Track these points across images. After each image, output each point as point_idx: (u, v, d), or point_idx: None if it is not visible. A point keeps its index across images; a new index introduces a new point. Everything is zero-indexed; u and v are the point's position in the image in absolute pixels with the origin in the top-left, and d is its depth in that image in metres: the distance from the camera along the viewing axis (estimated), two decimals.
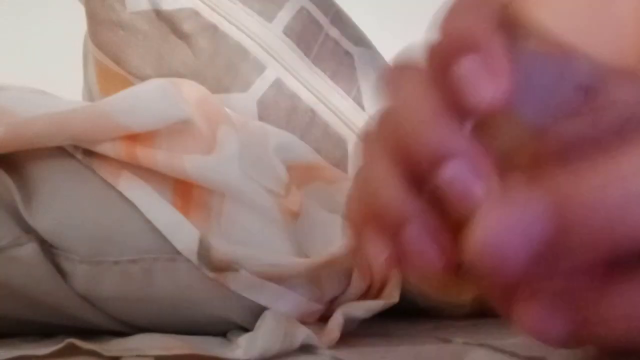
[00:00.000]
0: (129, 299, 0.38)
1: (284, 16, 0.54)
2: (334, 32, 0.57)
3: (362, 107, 0.57)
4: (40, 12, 1.26)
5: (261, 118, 0.53)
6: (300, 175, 0.46)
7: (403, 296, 0.43)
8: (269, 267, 0.38)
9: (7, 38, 1.25)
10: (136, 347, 0.36)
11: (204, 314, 0.39)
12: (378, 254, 0.22)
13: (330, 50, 0.56)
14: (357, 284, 0.42)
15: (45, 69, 1.06)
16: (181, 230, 0.37)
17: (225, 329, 0.40)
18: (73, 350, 0.34)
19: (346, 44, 0.58)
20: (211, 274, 0.37)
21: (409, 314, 0.46)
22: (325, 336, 0.38)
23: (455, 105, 0.20)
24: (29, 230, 0.37)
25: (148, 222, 0.38)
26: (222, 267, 0.37)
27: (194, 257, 0.37)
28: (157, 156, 0.38)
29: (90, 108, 0.39)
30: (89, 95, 0.57)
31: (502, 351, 0.34)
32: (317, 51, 0.55)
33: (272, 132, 0.48)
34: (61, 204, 0.38)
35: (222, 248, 0.37)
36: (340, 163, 0.54)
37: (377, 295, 0.44)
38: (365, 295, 0.43)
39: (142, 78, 0.51)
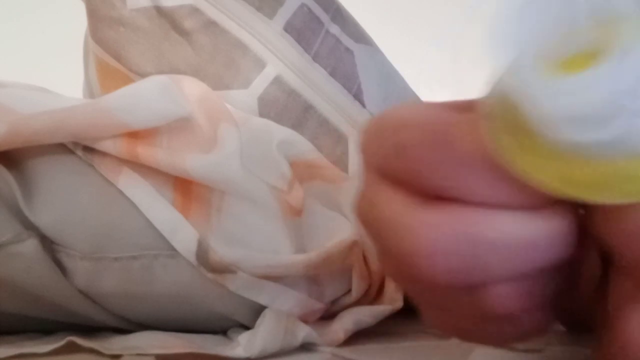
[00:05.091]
0: (129, 295, 0.38)
1: (285, 13, 0.54)
2: (335, 29, 0.57)
3: (363, 104, 0.57)
4: (41, 9, 1.26)
5: (262, 115, 0.53)
6: (301, 172, 0.46)
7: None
8: (266, 269, 0.38)
9: (8, 35, 1.25)
10: (137, 345, 0.36)
11: (204, 311, 0.39)
12: None
13: (331, 47, 0.56)
14: (358, 286, 0.42)
15: (46, 66, 1.06)
16: (180, 231, 0.37)
17: (225, 327, 0.40)
18: (73, 348, 0.35)
19: (347, 41, 0.58)
20: (209, 275, 0.37)
21: (408, 310, 0.46)
22: (328, 336, 0.38)
23: None
24: (29, 226, 0.37)
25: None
26: (221, 269, 0.37)
27: (192, 259, 0.37)
28: (158, 155, 0.38)
29: (90, 105, 0.39)
30: (89, 92, 0.57)
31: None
32: (317, 48, 0.55)
33: (275, 128, 0.48)
34: (62, 200, 0.38)
35: (220, 250, 0.37)
36: (340, 160, 0.54)
37: (376, 296, 0.44)
38: (365, 295, 0.43)
39: (143, 75, 0.51)
